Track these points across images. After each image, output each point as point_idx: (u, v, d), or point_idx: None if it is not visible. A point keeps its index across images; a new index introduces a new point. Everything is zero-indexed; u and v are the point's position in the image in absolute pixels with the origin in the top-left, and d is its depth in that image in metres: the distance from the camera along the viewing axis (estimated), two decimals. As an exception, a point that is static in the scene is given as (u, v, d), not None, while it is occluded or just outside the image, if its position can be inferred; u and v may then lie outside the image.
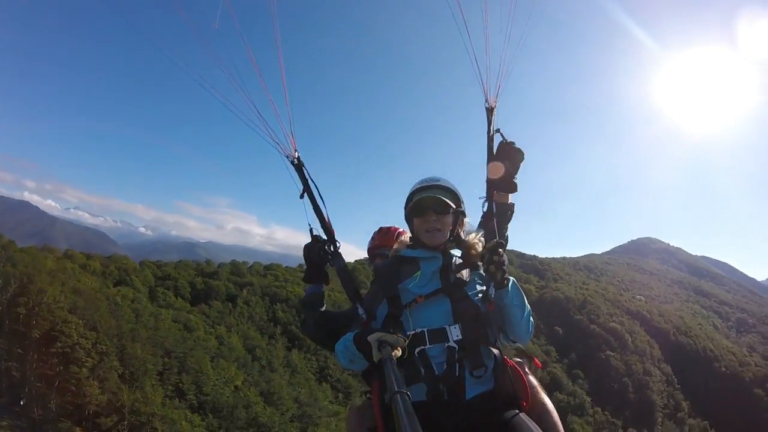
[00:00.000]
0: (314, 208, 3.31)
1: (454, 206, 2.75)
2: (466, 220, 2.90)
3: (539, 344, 50.36)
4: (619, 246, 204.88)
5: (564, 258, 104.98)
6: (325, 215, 3.30)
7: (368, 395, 2.89)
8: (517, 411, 2.41)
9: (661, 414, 55.68)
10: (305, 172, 3.30)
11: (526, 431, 2.28)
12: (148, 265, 36.97)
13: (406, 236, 3.10)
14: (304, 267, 3.34)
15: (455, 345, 2.44)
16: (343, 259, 3.32)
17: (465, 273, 2.67)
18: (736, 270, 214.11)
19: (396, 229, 3.90)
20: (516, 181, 2.99)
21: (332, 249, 3.31)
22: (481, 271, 2.70)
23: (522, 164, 3.01)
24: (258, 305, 35.03)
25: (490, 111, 3.16)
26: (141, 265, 36.86)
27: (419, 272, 2.67)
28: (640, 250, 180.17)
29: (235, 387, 22.88)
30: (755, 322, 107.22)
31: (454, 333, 2.46)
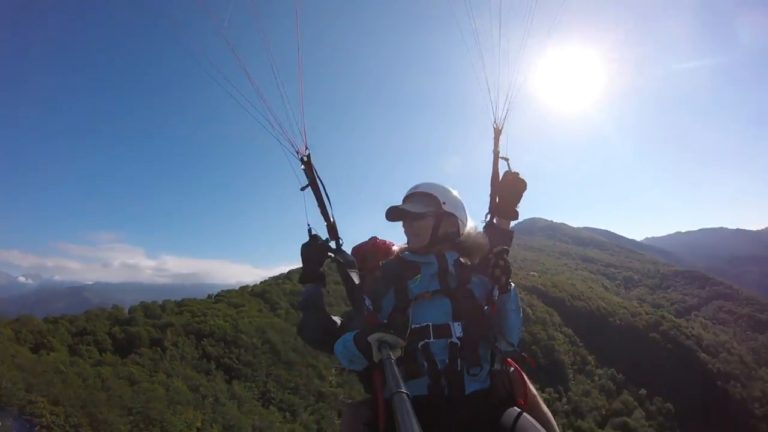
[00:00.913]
0: (320, 206, 3.40)
1: (419, 211, 2.84)
2: (460, 219, 2.91)
3: None
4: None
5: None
6: (331, 214, 3.41)
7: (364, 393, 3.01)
8: (519, 410, 2.54)
9: (571, 370, 61.81)
10: (314, 169, 3.43)
11: (532, 431, 2.41)
12: (62, 322, 36.47)
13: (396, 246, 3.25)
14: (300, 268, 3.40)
15: (457, 341, 2.55)
16: (349, 255, 3.34)
17: (465, 274, 2.79)
18: (617, 235, 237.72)
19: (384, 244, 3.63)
20: (517, 209, 3.24)
21: (336, 245, 3.40)
22: (481, 274, 2.81)
23: (525, 193, 3.28)
24: (186, 345, 35.76)
25: (497, 132, 3.42)
26: (54, 323, 36.22)
27: (419, 275, 2.76)
28: (527, 229, 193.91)
29: (197, 429, 24.51)
30: (640, 277, 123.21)
31: (457, 330, 2.57)
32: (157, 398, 24.87)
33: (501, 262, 2.65)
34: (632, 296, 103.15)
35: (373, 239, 3.60)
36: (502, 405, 2.58)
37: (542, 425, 2.48)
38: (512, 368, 2.80)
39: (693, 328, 77.99)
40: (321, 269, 3.33)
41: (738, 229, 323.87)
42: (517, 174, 3.28)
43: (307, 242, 3.31)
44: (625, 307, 76.84)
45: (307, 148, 3.49)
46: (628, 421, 50.39)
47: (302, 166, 3.49)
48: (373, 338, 2.29)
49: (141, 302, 46.26)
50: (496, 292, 2.70)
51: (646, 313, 76.37)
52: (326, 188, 3.47)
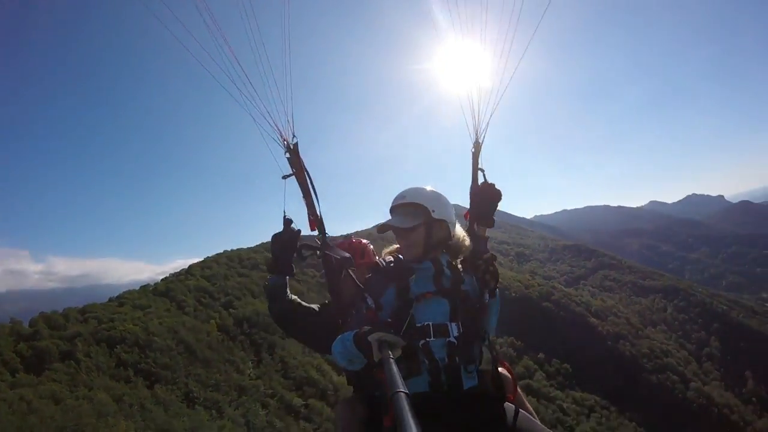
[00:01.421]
0: (305, 197, 3.47)
1: (416, 223, 2.93)
2: (450, 222, 3.05)
3: None
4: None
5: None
6: (318, 207, 3.48)
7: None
8: (514, 406, 2.77)
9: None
10: (300, 158, 3.45)
11: (533, 427, 2.66)
12: (-39, 346, 34.78)
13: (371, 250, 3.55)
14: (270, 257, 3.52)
15: (454, 340, 2.68)
16: (340, 251, 3.36)
17: (458, 275, 2.93)
18: (507, 213, 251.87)
19: (360, 243, 3.74)
20: (494, 218, 3.45)
21: (323, 240, 3.46)
22: (468, 275, 2.97)
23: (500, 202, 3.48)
24: (99, 354, 35.43)
25: (478, 147, 3.62)
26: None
27: (414, 276, 2.86)
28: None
29: (134, 439, 25.38)
30: (531, 252, 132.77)
31: (454, 330, 2.71)
32: (85, 414, 25.36)
33: (491, 268, 2.93)
34: (525, 270, 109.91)
35: (350, 239, 3.82)
36: (495, 400, 2.76)
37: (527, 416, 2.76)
38: (501, 367, 3.00)
39: (582, 296, 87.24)
40: (291, 260, 3.45)
41: (619, 206, 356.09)
42: (493, 185, 3.48)
43: (281, 231, 3.42)
44: (519, 281, 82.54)
45: (294, 136, 3.53)
46: (531, 382, 54.42)
47: (287, 155, 3.53)
48: (373, 338, 2.36)
49: (41, 313, 44.29)
50: (487, 296, 2.92)
51: (539, 285, 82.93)
52: (312, 180, 3.52)
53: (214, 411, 30.64)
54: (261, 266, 64.79)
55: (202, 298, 51.23)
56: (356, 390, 3.16)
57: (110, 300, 50.34)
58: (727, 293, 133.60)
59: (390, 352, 2.18)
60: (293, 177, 3.52)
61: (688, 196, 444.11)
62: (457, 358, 2.67)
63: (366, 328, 2.49)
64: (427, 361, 2.62)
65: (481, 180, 3.54)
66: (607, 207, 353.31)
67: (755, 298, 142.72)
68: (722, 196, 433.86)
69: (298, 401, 34.86)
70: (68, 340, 36.45)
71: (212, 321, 44.70)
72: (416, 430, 1.35)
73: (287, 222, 3.43)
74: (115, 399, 28.67)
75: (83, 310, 44.71)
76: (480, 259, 2.99)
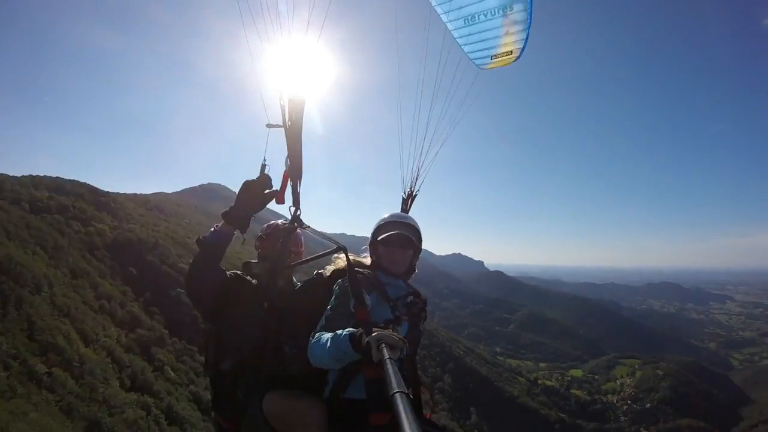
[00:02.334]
0: (291, 157, 3.47)
1: (416, 245, 3.44)
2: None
3: (116, 285, 55.72)
4: (189, 188, 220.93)
5: (136, 195, 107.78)
6: (299, 178, 3.51)
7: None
8: (435, 423, 3.23)
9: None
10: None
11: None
12: None
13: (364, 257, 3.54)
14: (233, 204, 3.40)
15: (403, 359, 2.83)
16: (307, 226, 3.57)
17: (417, 303, 3.33)
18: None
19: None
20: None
21: (294, 215, 3.53)
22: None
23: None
24: None
25: (410, 197, 4.39)
26: None
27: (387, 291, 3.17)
28: (208, 194, 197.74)
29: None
30: None
31: (405, 350, 2.70)
32: None
33: (426, 307, 3.41)
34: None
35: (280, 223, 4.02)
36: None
37: None
38: (422, 389, 3.43)
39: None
40: (251, 215, 3.41)
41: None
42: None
43: (254, 180, 3.37)
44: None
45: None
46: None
47: (283, 102, 3.42)
48: (373, 339, 2.39)
49: None
50: (420, 329, 3.36)
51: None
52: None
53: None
54: (23, 203, 60.60)
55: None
56: (314, 388, 3.10)
57: None
58: (467, 341, 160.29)
59: (389, 353, 2.23)
60: (274, 134, 3.41)
61: (455, 254, 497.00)
62: (404, 372, 2.96)
63: (359, 330, 2.58)
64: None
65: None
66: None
67: (489, 350, 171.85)
68: (482, 262, 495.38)
69: (42, 368, 34.67)
70: None
71: (-47, 256, 41.38)
72: (416, 429, 1.40)
73: (264, 172, 3.39)
74: None
75: None
76: (418, 297, 3.36)
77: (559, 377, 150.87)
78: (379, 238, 3.32)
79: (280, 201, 3.49)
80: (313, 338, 2.86)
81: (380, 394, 2.28)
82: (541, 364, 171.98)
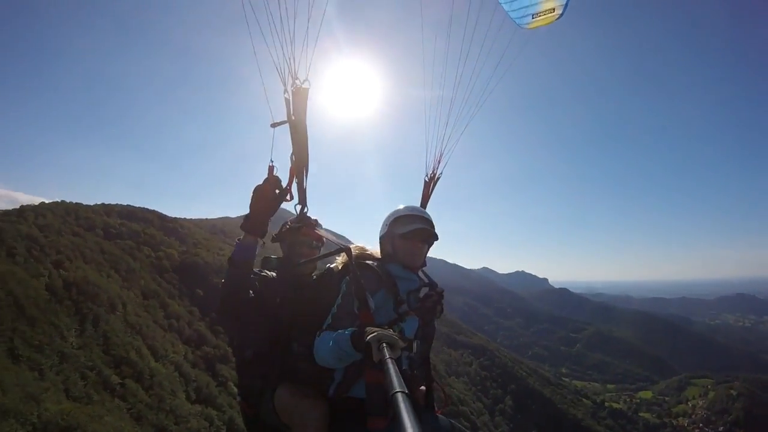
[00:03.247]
0: (295, 153, 3.37)
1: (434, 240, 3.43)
2: None
3: (184, 305, 59.30)
4: None
5: (201, 220, 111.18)
6: (306, 174, 3.45)
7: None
8: (449, 419, 3.18)
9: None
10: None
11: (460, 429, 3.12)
12: None
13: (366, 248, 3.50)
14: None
15: (414, 356, 3.06)
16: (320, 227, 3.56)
17: (429, 295, 3.33)
18: None
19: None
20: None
21: (301, 210, 3.53)
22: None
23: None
24: None
25: (432, 180, 4.26)
26: None
27: (397, 285, 3.11)
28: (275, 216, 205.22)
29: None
30: None
31: (415, 346, 3.05)
32: None
33: (442, 300, 3.38)
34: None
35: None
36: (430, 410, 3.24)
37: None
38: (435, 385, 3.43)
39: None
40: (268, 219, 3.37)
41: (456, 264, 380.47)
42: None
43: (263, 185, 3.30)
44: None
45: (307, 79, 3.26)
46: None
47: (286, 95, 3.30)
48: (374, 338, 2.40)
49: None
50: (435, 322, 3.41)
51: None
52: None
53: (36, 372, 33.09)
54: (97, 229, 65.81)
55: (33, 248, 51.79)
56: (315, 387, 3.14)
57: None
58: (531, 361, 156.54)
59: (390, 353, 2.22)
60: (281, 132, 3.32)
61: (518, 272, 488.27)
62: (415, 371, 3.12)
63: (360, 330, 2.59)
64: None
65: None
66: (444, 261, 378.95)
67: (554, 371, 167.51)
68: (547, 280, 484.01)
69: (115, 378, 38.55)
70: None
71: (42, 278, 45.96)
72: (416, 429, 1.38)
73: (272, 173, 3.31)
74: None
75: None
76: (436, 292, 3.36)
77: (627, 399, 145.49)
78: (400, 232, 3.30)
79: (290, 198, 3.45)
80: (318, 336, 2.91)
81: (379, 399, 2.48)
82: (609, 386, 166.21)
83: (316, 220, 3.67)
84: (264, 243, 3.43)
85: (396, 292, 3.09)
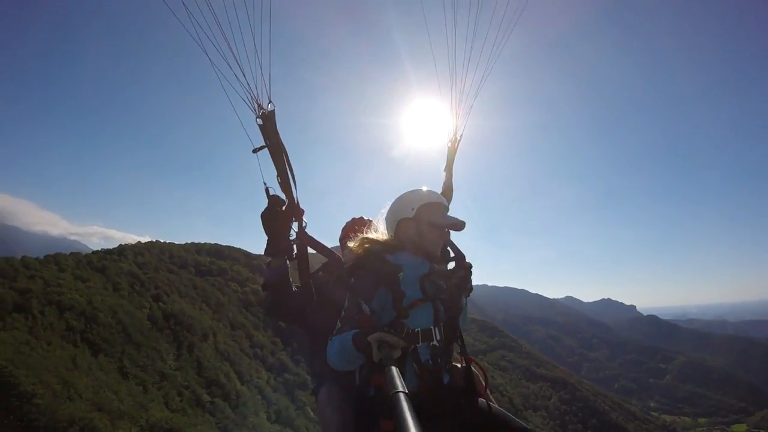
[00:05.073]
0: (280, 176, 3.41)
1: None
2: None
3: (268, 336, 64.44)
4: (334, 246, 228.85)
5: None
6: (294, 190, 3.44)
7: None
8: (488, 401, 3.07)
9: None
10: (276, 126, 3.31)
11: (509, 418, 2.93)
12: None
13: (372, 230, 3.34)
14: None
15: (437, 344, 2.94)
16: (311, 238, 3.50)
17: (442, 281, 3.16)
18: None
19: (371, 220, 3.72)
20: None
21: (299, 228, 3.44)
22: (443, 280, 3.18)
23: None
24: (51, 314, 39.33)
25: (454, 141, 3.98)
26: None
27: (402, 273, 2.97)
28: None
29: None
30: None
31: (437, 333, 2.96)
32: (52, 364, 33.49)
33: (471, 275, 3.26)
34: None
35: (363, 219, 3.93)
36: (471, 394, 3.06)
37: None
38: (472, 362, 3.22)
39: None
40: (288, 239, 3.43)
41: (538, 294, 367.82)
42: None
43: (267, 208, 3.38)
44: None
45: (271, 102, 3.30)
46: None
47: (258, 121, 3.34)
48: (373, 338, 2.44)
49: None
50: (464, 300, 3.26)
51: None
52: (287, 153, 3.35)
53: (141, 387, 39.29)
54: (189, 267, 73.67)
55: (135, 284, 59.66)
56: (341, 390, 3.22)
57: (46, 257, 56.96)
58: (616, 395, 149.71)
59: (390, 353, 2.29)
60: (265, 156, 3.41)
61: (604, 299, 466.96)
62: (439, 359, 2.94)
63: (362, 331, 2.61)
64: (415, 365, 2.84)
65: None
66: (525, 291, 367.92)
67: (642, 405, 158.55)
68: (634, 307, 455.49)
69: (206, 397, 44.52)
70: (20, 293, 43.56)
71: (144, 310, 53.31)
72: (417, 430, 1.38)
73: (270, 194, 3.37)
74: (70, 358, 36.87)
75: (23, 262, 51.89)
76: (462, 267, 3.28)
77: None
78: (435, 221, 3.11)
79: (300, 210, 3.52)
80: (330, 341, 2.87)
81: (382, 401, 2.38)
82: (700, 420, 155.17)
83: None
84: (293, 258, 3.51)
85: (395, 287, 2.93)
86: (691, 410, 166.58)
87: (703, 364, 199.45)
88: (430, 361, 2.88)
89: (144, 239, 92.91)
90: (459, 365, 3.20)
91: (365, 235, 3.20)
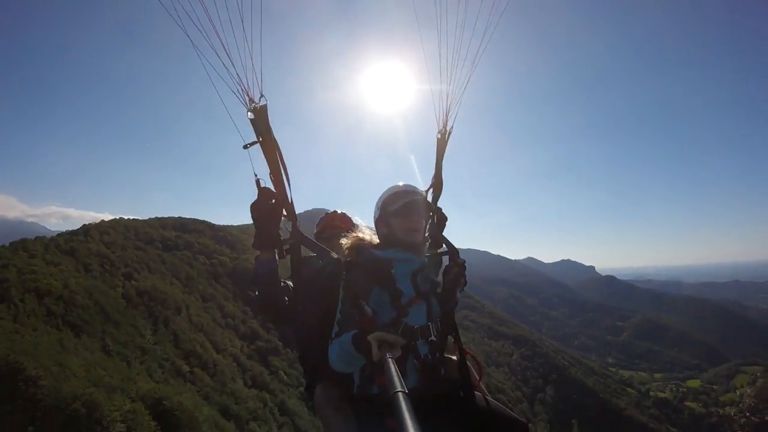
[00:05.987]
0: (273, 172, 3.36)
1: (428, 211, 3.33)
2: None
3: (238, 306, 66.42)
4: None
5: (248, 226, 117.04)
6: (288, 188, 3.41)
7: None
8: (484, 393, 3.17)
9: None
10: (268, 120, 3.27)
11: (504, 411, 3.07)
12: None
13: (363, 228, 3.38)
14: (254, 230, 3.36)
15: (435, 339, 3.00)
16: (305, 237, 3.41)
17: (434, 275, 3.26)
18: None
19: (346, 214, 3.87)
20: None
21: (293, 226, 3.38)
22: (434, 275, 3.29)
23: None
24: (31, 301, 41.35)
25: (444, 133, 3.75)
26: None
27: (393, 270, 3.02)
28: (313, 220, 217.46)
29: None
30: None
31: (434, 329, 3.01)
32: (46, 350, 35.95)
33: (464, 270, 3.32)
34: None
35: (338, 214, 4.04)
36: (466, 387, 3.13)
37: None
38: (468, 354, 3.31)
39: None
40: (278, 234, 3.38)
41: (499, 255, 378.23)
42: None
43: (257, 200, 3.34)
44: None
45: (263, 96, 3.23)
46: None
47: (250, 116, 3.27)
48: (372, 338, 2.43)
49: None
50: (459, 295, 3.27)
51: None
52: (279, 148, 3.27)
53: (125, 363, 42.26)
54: (156, 242, 76.16)
55: (105, 264, 61.96)
56: (336, 388, 3.20)
57: (12, 244, 57.70)
58: (576, 352, 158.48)
59: (390, 352, 2.23)
60: (256, 151, 3.33)
61: (564, 260, 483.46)
62: (437, 354, 3.03)
63: (360, 331, 2.62)
64: (416, 361, 2.90)
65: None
66: (487, 253, 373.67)
67: (600, 361, 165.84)
68: (593, 267, 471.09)
69: (186, 368, 47.97)
70: (-1, 283, 45.49)
71: (118, 289, 56.27)
72: (417, 429, 1.39)
73: (261, 186, 3.34)
74: (57, 341, 39.41)
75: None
76: (457, 264, 3.31)
77: (674, 389, 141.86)
78: (391, 209, 3.16)
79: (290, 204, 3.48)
80: (330, 343, 2.89)
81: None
82: (656, 375, 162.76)
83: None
84: (285, 255, 3.50)
85: (391, 286, 3.01)
86: (647, 366, 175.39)
87: (659, 322, 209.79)
88: (429, 356, 2.96)
89: (104, 216, 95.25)
90: (453, 357, 3.27)
91: (356, 234, 3.28)
